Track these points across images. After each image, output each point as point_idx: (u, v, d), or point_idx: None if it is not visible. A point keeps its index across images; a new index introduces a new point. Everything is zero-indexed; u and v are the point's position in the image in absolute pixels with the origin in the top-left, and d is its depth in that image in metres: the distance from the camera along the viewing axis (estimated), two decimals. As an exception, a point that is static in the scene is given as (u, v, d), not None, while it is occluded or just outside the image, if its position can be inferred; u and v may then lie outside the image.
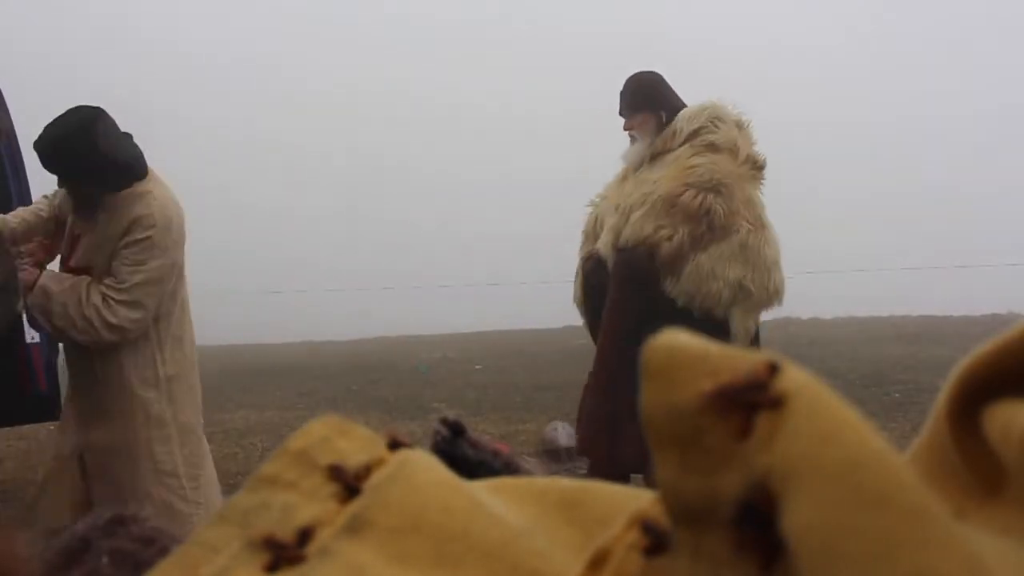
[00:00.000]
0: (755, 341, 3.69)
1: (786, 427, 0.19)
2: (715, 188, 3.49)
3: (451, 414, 0.35)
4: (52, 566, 0.36)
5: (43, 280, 3.09)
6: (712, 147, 3.57)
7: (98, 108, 3.12)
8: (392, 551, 0.24)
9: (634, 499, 0.27)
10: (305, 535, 0.25)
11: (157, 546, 0.36)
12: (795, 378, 0.20)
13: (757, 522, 0.19)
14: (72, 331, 3.10)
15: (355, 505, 0.26)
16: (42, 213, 3.38)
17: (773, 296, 3.59)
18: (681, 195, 3.49)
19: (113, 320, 3.07)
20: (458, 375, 7.80)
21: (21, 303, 3.02)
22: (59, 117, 3.06)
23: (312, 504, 0.26)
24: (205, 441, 3.46)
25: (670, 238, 3.48)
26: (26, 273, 3.06)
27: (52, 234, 3.35)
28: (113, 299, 3.07)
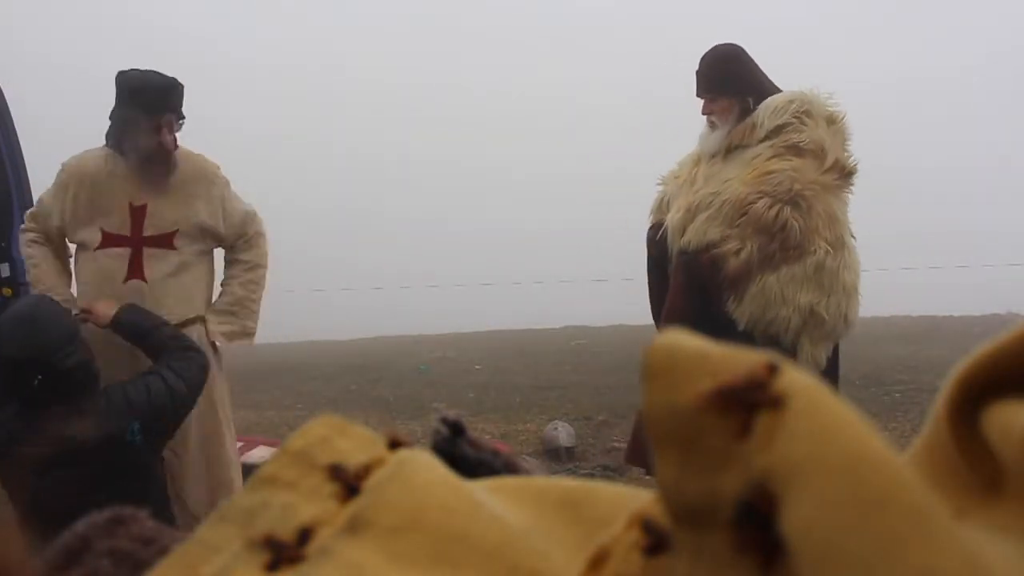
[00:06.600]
0: (830, 372, 3.25)
1: (786, 427, 0.19)
2: (793, 200, 3.05)
3: (451, 414, 0.35)
4: (52, 566, 0.36)
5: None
6: (795, 149, 3.12)
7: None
8: (392, 551, 0.24)
9: (634, 499, 0.27)
10: (305, 535, 0.25)
11: (157, 546, 0.36)
12: (794, 378, 0.20)
13: (757, 522, 0.19)
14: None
15: (355, 505, 0.26)
16: (57, 255, 3.32)
17: (848, 325, 3.19)
18: (753, 204, 3.07)
19: None
20: (458, 375, 7.78)
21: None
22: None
23: (312, 504, 0.26)
24: None
25: (737, 252, 3.08)
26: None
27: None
28: None
